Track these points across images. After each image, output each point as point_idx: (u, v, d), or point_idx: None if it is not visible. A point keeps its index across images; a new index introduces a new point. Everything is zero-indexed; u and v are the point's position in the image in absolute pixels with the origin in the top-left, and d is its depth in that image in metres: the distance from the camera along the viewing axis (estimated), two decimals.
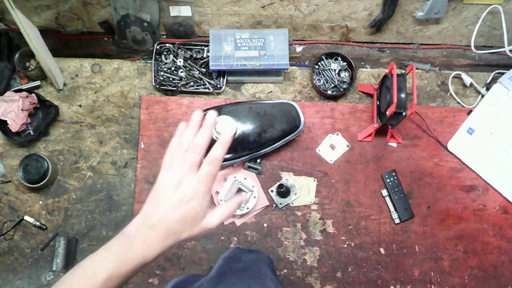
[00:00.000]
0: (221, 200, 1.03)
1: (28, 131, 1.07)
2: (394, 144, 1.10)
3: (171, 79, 1.12)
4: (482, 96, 1.14)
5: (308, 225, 1.06)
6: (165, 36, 1.17)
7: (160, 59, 1.13)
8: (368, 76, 1.15)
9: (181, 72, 1.12)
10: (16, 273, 1.03)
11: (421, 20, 1.10)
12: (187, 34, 1.15)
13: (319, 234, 1.06)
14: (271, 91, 1.14)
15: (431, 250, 1.06)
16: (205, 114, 0.57)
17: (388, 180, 1.08)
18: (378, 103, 1.09)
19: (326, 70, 1.12)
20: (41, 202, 1.06)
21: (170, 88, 1.11)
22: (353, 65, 1.11)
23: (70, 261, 1.02)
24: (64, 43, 1.18)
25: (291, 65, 1.16)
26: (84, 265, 0.53)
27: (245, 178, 1.05)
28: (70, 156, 1.09)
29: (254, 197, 1.04)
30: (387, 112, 0.96)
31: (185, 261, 1.04)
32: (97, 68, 1.14)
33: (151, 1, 1.06)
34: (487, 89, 1.13)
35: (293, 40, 1.19)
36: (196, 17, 1.11)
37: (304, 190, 1.08)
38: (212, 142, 0.56)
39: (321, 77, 1.13)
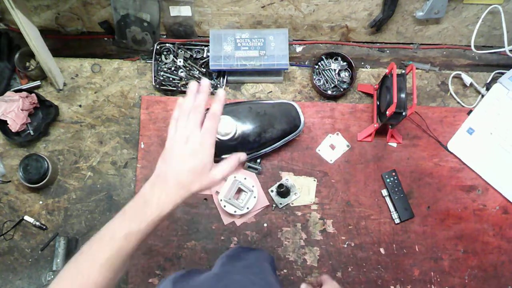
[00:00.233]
0: (221, 200, 1.03)
1: (28, 131, 1.07)
2: (394, 144, 1.10)
3: (171, 79, 1.12)
4: (482, 96, 1.14)
5: (308, 225, 1.06)
6: (165, 36, 1.17)
7: (160, 59, 1.13)
8: (368, 76, 1.15)
9: (181, 72, 1.12)
10: (16, 273, 1.03)
11: (421, 20, 1.10)
12: (187, 34, 1.15)
13: (319, 234, 1.06)
14: (271, 91, 1.14)
15: (431, 250, 1.06)
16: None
17: (388, 180, 1.08)
18: (378, 103, 1.09)
19: (326, 70, 1.12)
20: (41, 202, 1.06)
21: (170, 88, 1.11)
22: (353, 65, 1.11)
23: None
24: (64, 43, 1.18)
25: (291, 65, 1.16)
26: (102, 230, 0.56)
27: (245, 178, 1.05)
28: (70, 156, 1.09)
29: (254, 197, 1.04)
30: (387, 112, 0.96)
31: (185, 261, 1.04)
32: (97, 68, 1.14)
33: (151, 1, 1.06)
34: (487, 89, 1.13)
35: (293, 40, 1.19)
36: (196, 17, 1.11)
37: (304, 190, 1.08)
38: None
39: (321, 77, 1.13)
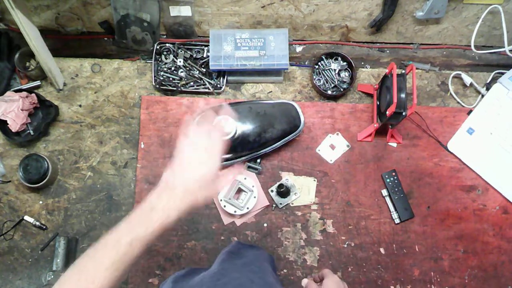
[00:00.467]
0: (221, 200, 1.03)
1: (28, 131, 1.07)
2: (394, 144, 1.10)
3: (171, 79, 1.12)
4: (482, 96, 1.14)
5: (308, 225, 1.06)
6: (165, 36, 1.17)
7: (160, 59, 1.13)
8: (368, 76, 1.15)
9: (181, 72, 1.12)
10: (16, 273, 1.03)
11: (421, 20, 1.10)
12: (187, 34, 1.15)
13: (319, 234, 1.06)
14: (271, 91, 1.14)
15: (431, 250, 1.06)
16: None
17: (388, 180, 1.08)
18: (378, 103, 1.09)
19: (326, 70, 1.12)
20: (41, 202, 1.06)
21: (170, 88, 1.11)
22: (353, 65, 1.11)
23: (70, 261, 1.02)
24: (64, 43, 1.18)
25: (291, 65, 1.16)
26: (107, 234, 0.57)
27: (245, 178, 1.05)
28: (70, 156, 1.09)
29: (254, 197, 1.04)
30: (387, 112, 0.96)
31: (185, 261, 1.04)
32: (97, 68, 1.14)
33: (151, 1, 1.06)
34: (487, 89, 1.13)
35: (293, 40, 1.19)
36: (196, 17, 1.11)
37: (304, 190, 1.08)
38: None
39: (321, 77, 1.13)
